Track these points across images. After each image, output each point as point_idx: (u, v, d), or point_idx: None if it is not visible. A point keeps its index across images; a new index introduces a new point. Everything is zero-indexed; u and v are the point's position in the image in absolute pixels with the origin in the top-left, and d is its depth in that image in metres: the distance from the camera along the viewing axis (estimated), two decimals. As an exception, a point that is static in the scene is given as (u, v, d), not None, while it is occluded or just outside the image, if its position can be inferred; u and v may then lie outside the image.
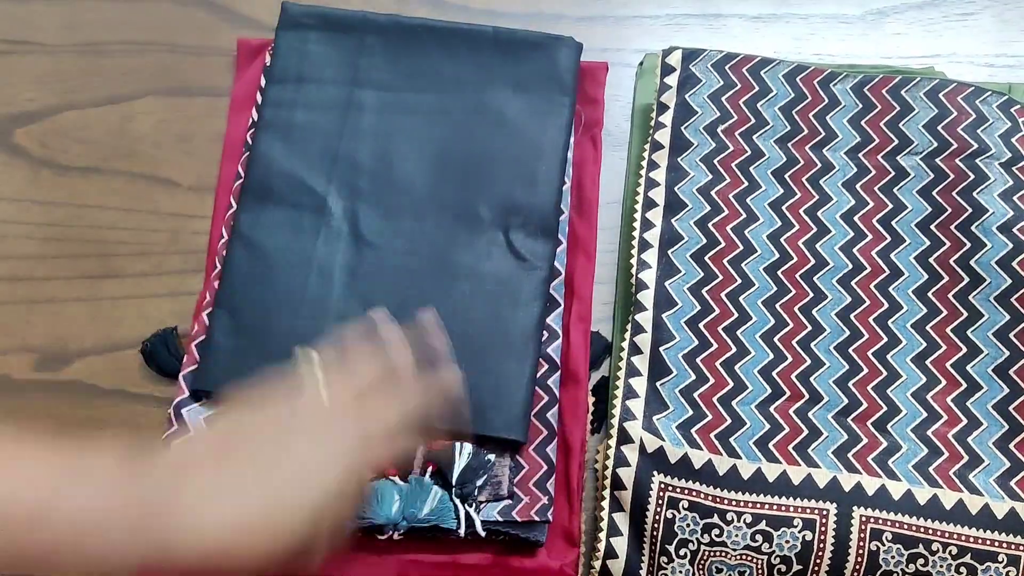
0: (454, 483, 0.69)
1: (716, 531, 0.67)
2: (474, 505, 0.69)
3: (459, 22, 0.81)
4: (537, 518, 0.69)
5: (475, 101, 0.78)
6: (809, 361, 0.71)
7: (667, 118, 0.76)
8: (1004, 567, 0.65)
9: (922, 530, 0.66)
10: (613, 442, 0.70)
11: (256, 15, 0.86)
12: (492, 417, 0.70)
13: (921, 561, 0.66)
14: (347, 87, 0.79)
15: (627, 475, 0.69)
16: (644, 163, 0.75)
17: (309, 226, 0.75)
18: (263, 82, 0.80)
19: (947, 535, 0.66)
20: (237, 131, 0.80)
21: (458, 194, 0.76)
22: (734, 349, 0.71)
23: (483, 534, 0.69)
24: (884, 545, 0.66)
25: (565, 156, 0.76)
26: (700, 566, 0.67)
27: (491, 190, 0.76)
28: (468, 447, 0.70)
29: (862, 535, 0.66)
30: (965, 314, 0.71)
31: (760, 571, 0.67)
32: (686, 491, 0.68)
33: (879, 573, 0.66)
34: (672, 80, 0.77)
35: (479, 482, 0.69)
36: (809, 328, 0.72)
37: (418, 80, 0.79)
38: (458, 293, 0.73)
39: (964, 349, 0.70)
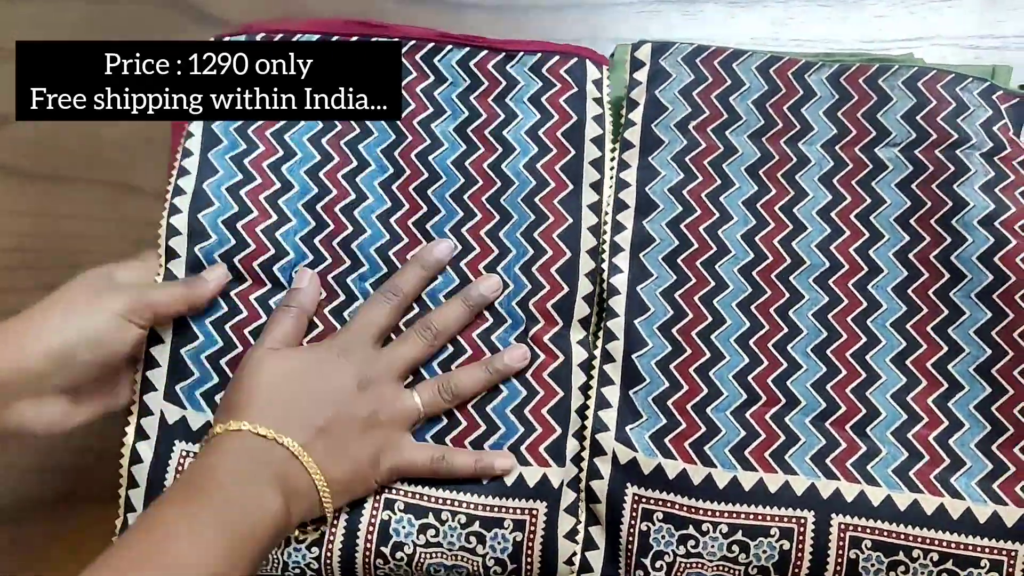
0: None
1: (692, 542, 0.66)
2: None
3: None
4: None
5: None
6: (786, 364, 0.69)
7: (637, 115, 0.73)
8: (987, 572, 0.64)
9: (902, 537, 0.65)
10: (586, 454, 0.68)
11: (226, 16, 0.85)
12: None
13: (902, 568, 0.64)
14: None
15: (600, 488, 0.67)
16: (614, 163, 0.73)
17: None
18: None
19: (928, 541, 0.64)
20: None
21: None
22: (708, 354, 0.69)
23: None
24: (864, 553, 0.65)
25: None
26: (676, 578, 0.66)
27: None
28: None
29: (841, 543, 0.65)
30: (946, 312, 0.69)
31: (737, 582, 0.66)
32: (660, 502, 0.67)
33: (858, 582, 0.65)
34: (641, 75, 0.74)
35: None
36: (786, 330, 0.70)
37: None
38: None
39: (945, 348, 0.68)
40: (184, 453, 0.70)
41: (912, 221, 0.70)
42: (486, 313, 0.72)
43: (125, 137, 0.81)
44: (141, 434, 0.71)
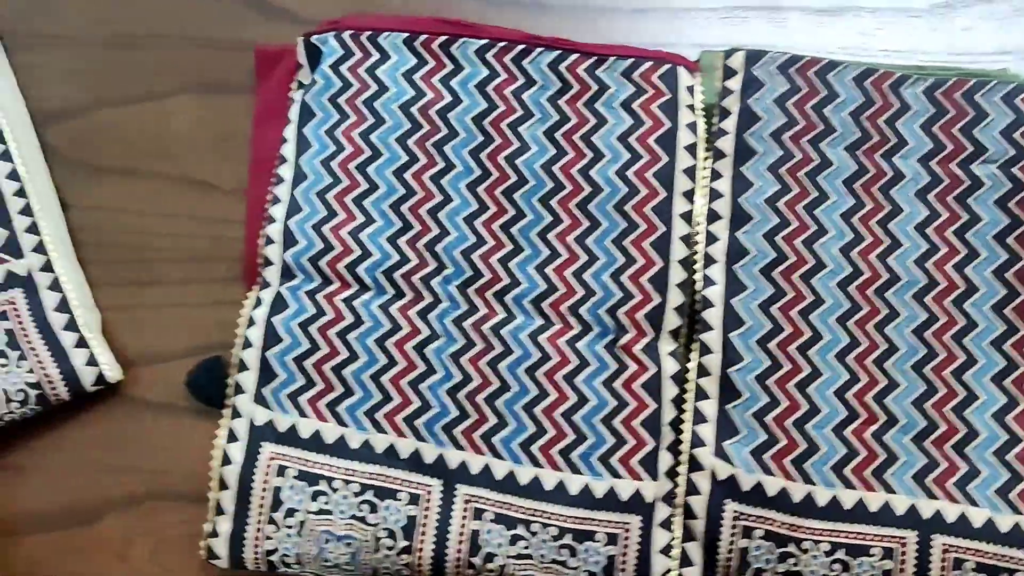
0: None
1: (792, 560, 0.65)
2: None
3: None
4: None
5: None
6: (885, 381, 0.68)
7: (730, 124, 0.72)
8: (1089, 597, 0.63)
9: (1006, 559, 0.64)
10: (683, 469, 0.67)
11: (291, 7, 0.82)
12: None
13: (1005, 592, 0.64)
14: None
15: (699, 504, 0.66)
16: (707, 172, 0.72)
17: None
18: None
19: (1032, 565, 0.64)
20: (265, 144, 0.76)
21: None
22: (807, 370, 0.68)
23: None
24: (967, 575, 0.64)
25: None
26: (775, 597, 0.65)
27: None
28: None
29: (944, 564, 0.64)
30: (1046, 332, 0.68)
31: (837, 602, 0.65)
32: (761, 519, 0.66)
33: (961, 605, 0.64)
34: (734, 84, 0.73)
35: None
36: (884, 346, 0.69)
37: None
38: None
39: (1044, 369, 0.68)
40: (272, 455, 0.68)
41: (1009, 240, 0.70)
42: (572, 320, 0.71)
43: (193, 132, 0.80)
44: (232, 437, 0.69)
